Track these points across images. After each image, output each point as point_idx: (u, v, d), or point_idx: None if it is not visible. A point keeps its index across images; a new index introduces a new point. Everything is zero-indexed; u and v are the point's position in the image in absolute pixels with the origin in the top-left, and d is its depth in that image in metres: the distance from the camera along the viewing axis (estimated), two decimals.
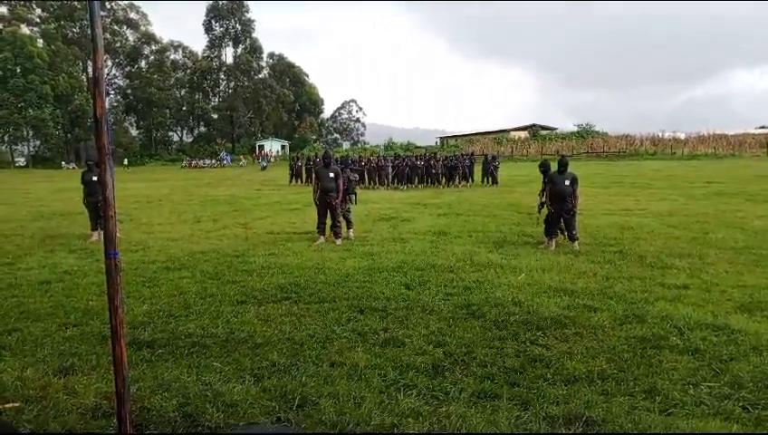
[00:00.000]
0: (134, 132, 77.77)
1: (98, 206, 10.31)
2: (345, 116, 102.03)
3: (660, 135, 58.53)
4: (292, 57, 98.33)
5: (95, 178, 10.56)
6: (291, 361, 4.37)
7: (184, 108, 78.95)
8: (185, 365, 4.29)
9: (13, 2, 64.83)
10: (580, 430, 3.28)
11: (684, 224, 11.56)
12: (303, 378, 4.02)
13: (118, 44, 72.20)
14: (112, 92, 74.67)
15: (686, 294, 6.23)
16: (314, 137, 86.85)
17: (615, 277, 7.06)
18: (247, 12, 76.22)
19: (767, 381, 3.87)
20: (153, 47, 75.82)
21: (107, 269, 2.99)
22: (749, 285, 6.55)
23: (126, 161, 61.89)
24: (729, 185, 20.97)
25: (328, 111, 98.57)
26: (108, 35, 70.68)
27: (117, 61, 74.13)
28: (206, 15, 75.73)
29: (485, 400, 3.68)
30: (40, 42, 63.57)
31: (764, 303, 5.78)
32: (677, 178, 25.36)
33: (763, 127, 68.48)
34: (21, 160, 66.72)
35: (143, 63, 75.76)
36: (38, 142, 65.58)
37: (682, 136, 57.64)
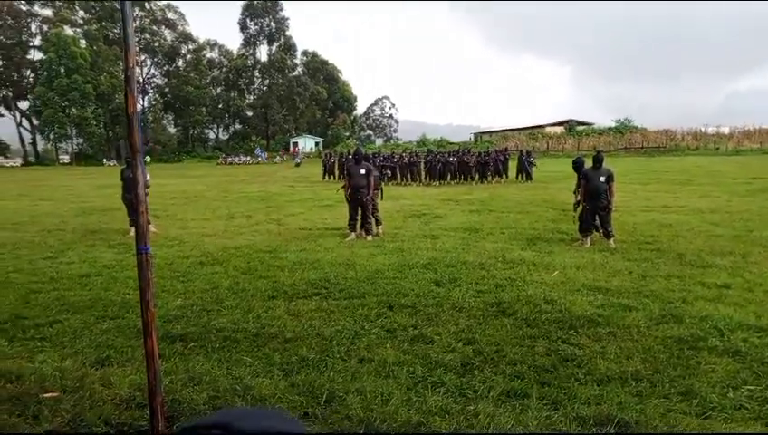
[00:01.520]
0: (172, 130, 79.52)
1: None
2: (378, 113, 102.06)
3: (703, 130, 56.69)
4: (326, 54, 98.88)
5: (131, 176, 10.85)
6: (319, 356, 4.40)
7: (220, 105, 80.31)
8: (216, 359, 4.36)
9: (58, 2, 66.99)
10: (613, 431, 3.20)
11: (726, 221, 11.17)
12: (332, 373, 4.04)
13: (156, 44, 73.94)
14: (151, 91, 76.53)
15: (728, 293, 6.02)
16: (347, 133, 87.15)
17: (652, 276, 6.87)
18: (281, 10, 77.04)
19: None
20: (190, 46, 77.35)
21: (138, 264, 3.07)
22: None
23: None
24: None
25: (361, 108, 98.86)
26: (147, 35, 72.49)
27: (156, 60, 75.93)
28: (242, 14, 76.84)
29: (514, 399, 3.63)
30: (83, 42, 65.52)
31: None
32: (720, 174, 24.54)
33: None
34: (65, 158, 68.94)
35: (180, 62, 77.36)
36: (81, 140, 67.64)
37: (726, 130, 55.72)
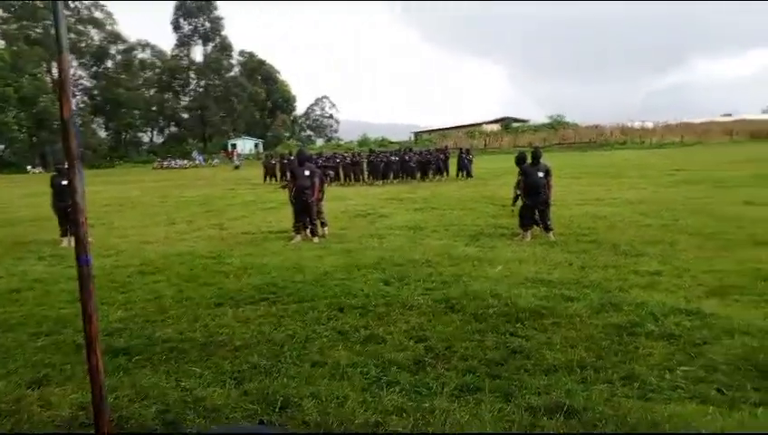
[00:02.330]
0: (102, 134, 76.11)
1: (67, 211, 10.06)
2: (318, 113, 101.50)
3: (629, 124, 59.62)
4: (264, 54, 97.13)
5: (65, 183, 10.31)
6: (271, 362, 4.34)
7: (153, 108, 77.58)
8: (163, 371, 4.22)
9: None
10: (562, 419, 3.32)
11: (654, 211, 11.79)
12: (285, 379, 4.00)
13: (83, 44, 70.48)
14: (78, 93, 72.95)
15: (659, 280, 6.37)
16: (288, 134, 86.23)
17: (590, 266, 7.17)
18: (216, 9, 75.25)
19: (740, 363, 3.97)
20: (120, 46, 74.21)
21: (79, 276, 2.91)
22: (718, 269, 6.72)
23: None
24: (696, 172, 21.47)
25: (301, 108, 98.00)
26: (72, 35, 68.92)
27: (82, 61, 72.37)
28: (174, 14, 74.58)
29: (468, 393, 3.70)
30: (1, 43, 61.74)
31: (734, 287, 5.93)
32: (647, 167, 25.87)
33: (727, 115, 70.20)
34: None
35: (110, 63, 74.09)
36: (2, 146, 63.72)
37: (650, 125, 58.84)
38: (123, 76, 72.14)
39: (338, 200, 17.68)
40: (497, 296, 5.87)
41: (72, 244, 10.38)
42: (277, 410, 3.55)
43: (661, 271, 6.78)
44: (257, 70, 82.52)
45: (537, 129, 63.21)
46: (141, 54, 77.23)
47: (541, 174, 9.30)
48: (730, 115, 69.37)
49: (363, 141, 64.26)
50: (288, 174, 11.14)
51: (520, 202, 9.73)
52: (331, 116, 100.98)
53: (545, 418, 3.34)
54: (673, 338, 4.50)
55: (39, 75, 63.63)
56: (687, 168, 23.73)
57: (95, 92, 72.88)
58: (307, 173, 10.11)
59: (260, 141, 75.34)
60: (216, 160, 61.10)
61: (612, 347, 4.39)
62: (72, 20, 68.81)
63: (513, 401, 3.56)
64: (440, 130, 73.88)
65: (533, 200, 9.28)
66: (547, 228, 9.33)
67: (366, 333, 4.94)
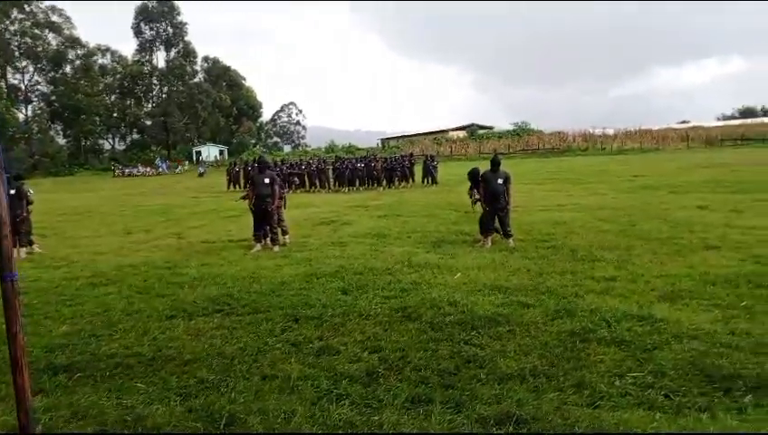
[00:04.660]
0: (61, 141, 73.87)
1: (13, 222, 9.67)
2: (285, 119, 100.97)
3: (591, 131, 60.99)
4: (228, 60, 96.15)
5: (12, 192, 9.95)
6: (220, 377, 4.20)
7: (115, 114, 75.73)
8: (105, 389, 4.04)
9: None
10: (512, 429, 3.29)
11: (612, 217, 12.01)
12: (233, 394, 3.87)
13: (40, 49, 68.35)
14: (35, 99, 70.77)
15: (614, 286, 6.44)
16: (253, 141, 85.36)
17: (548, 272, 7.23)
18: (179, 14, 73.96)
19: (687, 368, 4.02)
20: (78, 51, 72.17)
21: (3, 293, 2.77)
22: (671, 274, 6.84)
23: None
24: (654, 178, 22.03)
25: (267, 115, 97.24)
26: (28, 39, 66.92)
27: (39, 66, 70.16)
28: (135, 18, 72.96)
29: (419, 405, 3.64)
30: None
31: (685, 291, 6.05)
32: (607, 173, 26.44)
33: (683, 122, 72.60)
34: None
35: (68, 69, 71.95)
36: None
37: (611, 132, 60.31)
38: (82, 82, 70.15)
39: (302, 208, 17.55)
40: (455, 304, 5.84)
41: (23, 255, 10.00)
42: (221, 427, 3.42)
43: (616, 276, 6.87)
44: (222, 76, 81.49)
45: (502, 135, 64.09)
46: (101, 60, 75.29)
47: (500, 181, 9.37)
48: (686, 122, 71.81)
49: (330, 148, 64.06)
50: (248, 181, 10.94)
51: (478, 206, 9.81)
52: (298, 122, 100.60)
53: (495, 428, 3.31)
54: (624, 344, 4.54)
55: None
56: (645, 174, 24.34)
57: (53, 98, 70.70)
58: (267, 181, 9.96)
59: (225, 148, 74.36)
60: (179, 168, 59.97)
61: (565, 354, 4.39)
62: (28, 23, 66.75)
63: (463, 411, 3.52)
64: (407, 136, 74.25)
65: (493, 207, 9.34)
66: (507, 235, 9.39)
67: (320, 344, 4.85)
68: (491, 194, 9.37)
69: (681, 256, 7.93)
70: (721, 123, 71.24)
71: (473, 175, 10.15)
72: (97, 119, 72.91)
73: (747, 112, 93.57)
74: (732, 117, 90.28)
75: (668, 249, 8.39)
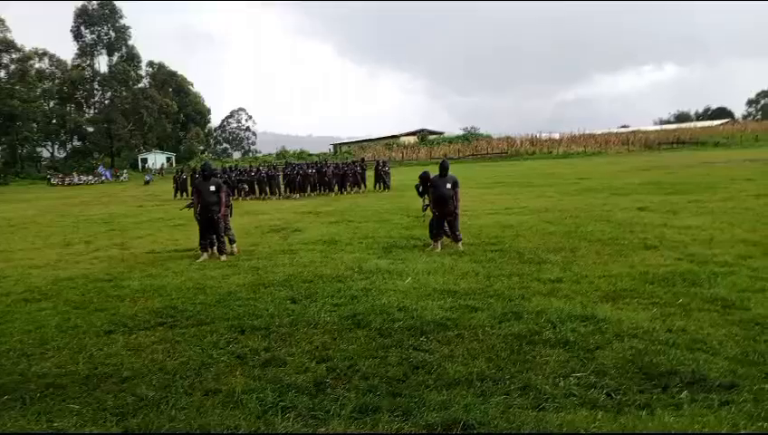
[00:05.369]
0: None
1: None
2: (234, 125, 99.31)
3: (538, 136, 62.69)
4: (175, 66, 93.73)
5: None
6: (160, 394, 4.04)
7: (54, 121, 72.48)
8: (34, 412, 3.82)
9: None
10: (459, 433, 3.28)
11: (558, 219, 12.32)
12: (173, 411, 3.73)
13: None
14: None
15: (560, 287, 6.58)
16: (202, 148, 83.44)
17: (496, 275, 7.32)
18: (121, 17, 71.61)
19: (627, 366, 4.14)
20: (13, 55, 68.79)
21: None
22: (613, 274, 7.05)
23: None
24: (597, 181, 22.79)
25: (216, 121, 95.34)
26: None
27: None
28: (75, 21, 70.15)
29: (367, 414, 3.60)
30: None
31: (625, 290, 6.24)
32: (553, 176, 27.18)
33: (624, 126, 75.64)
34: None
35: (2, 73, 68.45)
36: None
37: (557, 136, 62.16)
38: (18, 87, 66.84)
39: (252, 215, 17.25)
40: (404, 310, 5.84)
41: None
42: None
43: (562, 278, 7.03)
44: (168, 81, 79.30)
45: (452, 141, 65.04)
46: (38, 64, 71.96)
47: (448, 186, 9.45)
48: (627, 127, 74.85)
49: (282, 154, 63.41)
50: (193, 189, 10.65)
51: (429, 213, 9.87)
52: (247, 128, 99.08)
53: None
54: (568, 345, 4.63)
55: None
56: (589, 176, 25.15)
57: None
58: (212, 188, 9.71)
59: (173, 155, 72.45)
60: (123, 176, 58.01)
61: (512, 357, 4.44)
62: None
63: (411, 419, 3.49)
64: (359, 142, 74.35)
65: (442, 211, 9.41)
66: (456, 239, 9.48)
67: (267, 355, 4.74)
68: (439, 198, 9.44)
69: (623, 256, 8.19)
70: (658, 127, 74.65)
71: (423, 178, 10.21)
72: (34, 125, 69.56)
73: (682, 117, 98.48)
74: (668, 121, 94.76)
75: (611, 250, 8.65)
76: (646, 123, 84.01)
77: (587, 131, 63.24)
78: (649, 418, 3.36)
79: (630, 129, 70.25)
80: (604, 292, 6.27)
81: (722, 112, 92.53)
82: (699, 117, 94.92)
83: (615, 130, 67.66)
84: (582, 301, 5.92)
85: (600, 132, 63.48)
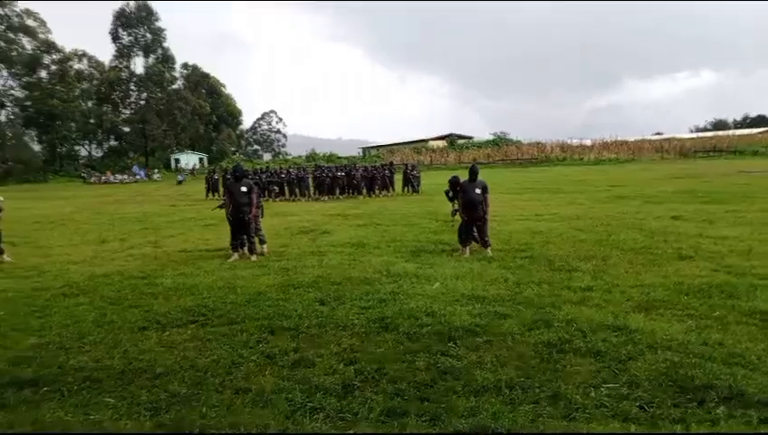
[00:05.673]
0: (36, 147, 72.36)
1: None
2: (265, 127, 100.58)
3: (569, 142, 61.82)
4: (208, 68, 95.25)
5: None
6: (192, 390, 4.12)
7: (91, 120, 74.49)
8: (72, 404, 3.93)
9: None
10: None
11: (589, 227, 12.13)
12: (204, 408, 3.79)
13: (14, 53, 67.07)
14: (9, 104, 69.36)
15: (590, 296, 6.47)
16: (233, 149, 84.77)
17: (525, 282, 7.24)
18: (157, 20, 73.29)
19: (661, 378, 4.05)
20: (54, 56, 70.95)
21: None
22: (646, 283, 6.92)
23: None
24: (629, 188, 22.36)
25: (248, 123, 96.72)
26: (2, 43, 65.67)
27: (13, 71, 68.76)
28: (113, 23, 72.07)
29: (394, 418, 3.61)
30: None
31: (659, 301, 6.11)
32: (584, 183, 26.77)
33: (658, 133, 74.09)
34: None
35: (43, 73, 70.66)
36: None
37: (588, 142, 61.19)
38: (58, 87, 68.91)
39: (281, 216, 17.42)
40: (432, 314, 5.83)
41: None
42: None
43: (593, 286, 6.92)
44: (201, 83, 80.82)
45: (481, 145, 64.63)
46: (78, 65, 74.13)
47: (478, 190, 9.40)
48: (660, 134, 73.31)
49: (311, 156, 63.91)
50: (225, 190, 10.83)
51: (458, 217, 9.84)
52: (278, 131, 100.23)
53: None
54: (599, 355, 4.56)
55: None
56: (621, 184, 24.70)
57: (27, 104, 69.29)
58: (244, 189, 9.86)
59: (205, 156, 73.72)
60: (157, 175, 59.23)
61: (541, 365, 4.40)
62: (2, 27, 65.55)
63: (439, 425, 3.49)
64: (388, 145, 74.47)
65: (471, 216, 9.37)
66: (485, 244, 9.42)
67: (296, 356, 4.79)
68: (469, 203, 9.39)
69: (656, 265, 8.02)
70: (694, 135, 72.88)
71: (453, 183, 10.19)
72: (73, 125, 71.68)
73: (719, 124, 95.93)
74: (704, 129, 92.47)
75: (644, 259, 8.49)
76: (681, 131, 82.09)
77: (619, 138, 62.17)
78: (684, 433, 3.29)
79: (664, 136, 68.77)
80: (636, 302, 6.15)
81: (762, 120, 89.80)
82: (737, 125, 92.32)
83: (648, 138, 66.29)
84: (614, 310, 5.82)
85: (632, 139, 62.28)
